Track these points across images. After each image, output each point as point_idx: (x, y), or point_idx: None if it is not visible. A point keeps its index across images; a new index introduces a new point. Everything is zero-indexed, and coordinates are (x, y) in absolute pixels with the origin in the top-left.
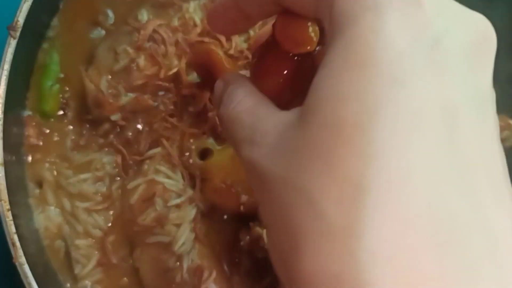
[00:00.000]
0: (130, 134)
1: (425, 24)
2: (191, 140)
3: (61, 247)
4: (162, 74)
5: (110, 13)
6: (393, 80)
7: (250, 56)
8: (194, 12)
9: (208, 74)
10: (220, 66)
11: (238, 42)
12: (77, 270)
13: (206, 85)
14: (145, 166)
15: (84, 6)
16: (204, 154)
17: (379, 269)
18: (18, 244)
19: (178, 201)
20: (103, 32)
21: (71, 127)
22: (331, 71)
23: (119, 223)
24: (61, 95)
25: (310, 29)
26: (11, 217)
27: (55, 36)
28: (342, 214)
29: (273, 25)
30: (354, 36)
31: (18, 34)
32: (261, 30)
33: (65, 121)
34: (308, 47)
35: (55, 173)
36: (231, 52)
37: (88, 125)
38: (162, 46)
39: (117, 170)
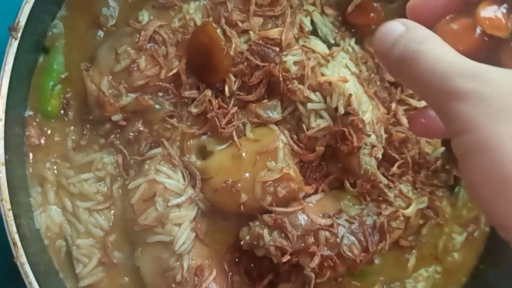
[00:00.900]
0: (131, 134)
1: None
2: (191, 140)
3: (62, 247)
4: (162, 75)
5: (111, 14)
6: None
7: (250, 57)
8: (195, 13)
9: (204, 60)
10: (215, 39)
11: (238, 43)
12: (78, 269)
13: (202, 77)
14: (146, 166)
15: (85, 7)
16: (204, 154)
17: None
18: (19, 243)
19: (178, 200)
20: (104, 33)
21: (72, 127)
22: None
23: (120, 223)
24: (62, 95)
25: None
26: (12, 217)
27: (56, 37)
28: None
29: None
30: None
31: (19, 34)
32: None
33: (66, 121)
34: (501, 33)
35: (56, 173)
36: (231, 53)
37: (89, 125)
38: (163, 47)
39: (117, 170)
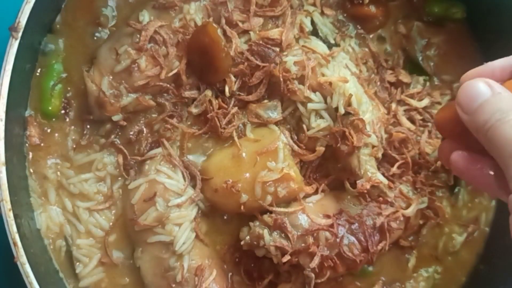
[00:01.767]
0: (131, 134)
1: None
2: (192, 141)
3: (62, 247)
4: (163, 75)
5: (112, 14)
6: None
7: (250, 57)
8: (195, 13)
9: (204, 60)
10: (216, 39)
11: (238, 43)
12: (78, 269)
13: (202, 77)
14: (146, 166)
15: (85, 7)
16: (205, 154)
17: None
18: (19, 243)
19: (178, 201)
20: (105, 33)
21: (72, 127)
22: None
23: (120, 223)
24: (62, 95)
25: None
26: (12, 217)
27: (57, 37)
28: None
29: None
30: None
31: (19, 35)
32: None
33: (67, 121)
34: None
35: (56, 173)
36: (231, 53)
37: (89, 125)
38: (163, 47)
39: (118, 170)
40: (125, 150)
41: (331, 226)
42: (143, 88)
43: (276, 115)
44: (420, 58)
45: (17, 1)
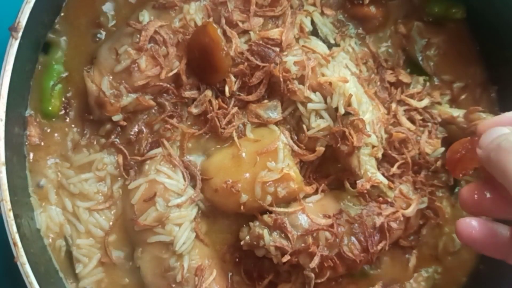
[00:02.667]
0: (131, 134)
1: None
2: (192, 141)
3: (62, 246)
4: (163, 75)
5: (112, 14)
6: None
7: (250, 57)
8: (195, 13)
9: (204, 60)
10: (216, 39)
11: (238, 43)
12: (78, 269)
13: (202, 77)
14: (146, 166)
15: (85, 7)
16: (205, 154)
17: None
18: (19, 243)
19: (178, 201)
20: (105, 33)
21: (72, 127)
22: None
23: (120, 223)
24: (62, 95)
25: None
26: (12, 217)
27: (56, 37)
28: None
29: None
30: None
31: (19, 35)
32: None
33: (67, 121)
34: None
35: (56, 173)
36: (231, 53)
37: (89, 125)
38: (163, 47)
39: (118, 170)
40: (125, 150)
41: (331, 226)
42: (143, 88)
43: (276, 115)
44: (420, 58)
45: (17, 1)
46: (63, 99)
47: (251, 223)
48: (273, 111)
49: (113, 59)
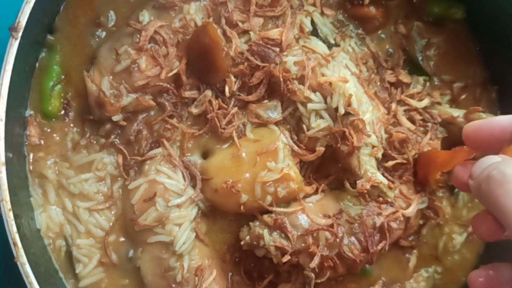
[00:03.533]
0: (131, 134)
1: None
2: (192, 141)
3: (62, 246)
4: (163, 75)
5: (112, 14)
6: None
7: (250, 57)
8: (195, 13)
9: (204, 61)
10: (216, 39)
11: (238, 43)
12: (78, 269)
13: (202, 77)
14: (146, 166)
15: (85, 7)
16: (205, 154)
17: None
18: (19, 243)
19: (178, 201)
20: (105, 33)
21: (72, 127)
22: None
23: (120, 223)
24: (62, 96)
25: None
26: (12, 217)
27: (56, 37)
28: None
29: None
30: None
31: (19, 35)
32: None
33: (67, 121)
34: None
35: (56, 172)
36: (231, 53)
37: (89, 126)
38: (163, 47)
39: (118, 170)
40: (125, 150)
41: (331, 226)
42: (143, 88)
43: (276, 115)
44: (420, 58)
45: (17, 1)
46: (63, 99)
47: (251, 223)
48: (273, 111)
49: (113, 59)
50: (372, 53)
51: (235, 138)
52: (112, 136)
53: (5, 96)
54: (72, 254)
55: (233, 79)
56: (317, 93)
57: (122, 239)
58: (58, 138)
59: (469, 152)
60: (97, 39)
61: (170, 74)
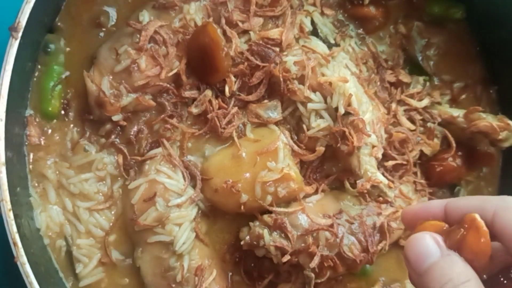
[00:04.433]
0: (131, 134)
1: None
2: (192, 141)
3: (62, 246)
4: (163, 75)
5: (112, 14)
6: None
7: (250, 57)
8: (195, 13)
9: (204, 60)
10: (216, 39)
11: (238, 43)
12: (78, 269)
13: (202, 77)
14: (146, 166)
15: (85, 7)
16: (205, 154)
17: None
18: (19, 243)
19: (178, 201)
20: (104, 33)
21: (72, 127)
22: None
23: (120, 223)
24: (62, 96)
25: None
26: (12, 217)
27: (56, 37)
28: None
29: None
30: None
31: (19, 35)
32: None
33: (67, 121)
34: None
35: (56, 172)
36: (231, 53)
37: (89, 125)
38: (163, 47)
39: (118, 170)
40: (125, 150)
41: (331, 226)
42: (143, 88)
43: (276, 115)
44: (420, 58)
45: (17, 1)
46: (63, 99)
47: (251, 223)
48: (273, 111)
49: (113, 59)
50: (372, 53)
51: (235, 138)
52: (112, 136)
53: (5, 96)
54: (72, 254)
55: (233, 79)
56: (317, 93)
57: (122, 239)
58: (58, 138)
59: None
60: (97, 39)
61: (170, 74)
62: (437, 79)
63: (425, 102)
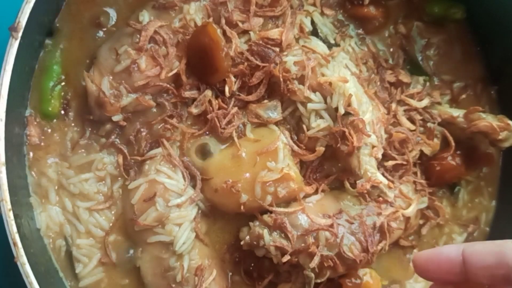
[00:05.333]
0: (131, 134)
1: None
2: (192, 141)
3: (62, 246)
4: (163, 75)
5: (112, 14)
6: None
7: (250, 57)
8: (195, 13)
9: (204, 61)
10: (215, 39)
11: (238, 43)
12: (78, 269)
13: (202, 77)
14: (146, 166)
15: (85, 7)
16: (205, 153)
17: None
18: (19, 243)
19: (178, 201)
20: (104, 33)
21: (73, 126)
22: None
23: (120, 223)
24: (62, 96)
25: None
26: (12, 217)
27: (56, 37)
28: None
29: None
30: None
31: (19, 35)
32: None
33: (67, 121)
34: None
35: (56, 172)
36: (231, 53)
37: (89, 126)
38: (163, 47)
39: (118, 170)
40: (125, 150)
41: (331, 226)
42: (143, 88)
43: (276, 115)
44: (420, 58)
45: (17, 1)
46: (63, 99)
47: (251, 223)
48: (273, 111)
49: (113, 59)
50: (372, 53)
51: (235, 138)
52: (112, 136)
53: (5, 96)
54: (72, 254)
55: (233, 79)
56: (317, 93)
57: (122, 239)
58: (58, 138)
59: None
60: (97, 39)
61: (170, 74)
62: (437, 79)
63: (425, 102)
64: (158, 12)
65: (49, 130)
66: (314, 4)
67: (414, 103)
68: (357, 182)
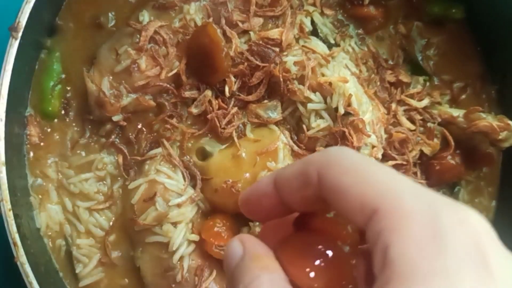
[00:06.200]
0: (131, 134)
1: None
2: (192, 141)
3: (62, 246)
4: (163, 75)
5: (112, 14)
6: None
7: (250, 57)
8: (195, 13)
9: (204, 61)
10: (215, 39)
11: (238, 43)
12: (78, 269)
13: (202, 77)
14: (146, 166)
15: (85, 7)
16: (205, 154)
17: None
18: (19, 243)
19: (179, 200)
20: (104, 33)
21: (73, 125)
22: None
23: (120, 223)
24: (62, 96)
25: (348, 229)
26: (12, 217)
27: (56, 37)
28: None
29: (306, 218)
30: None
31: (19, 35)
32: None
33: (67, 121)
34: (340, 243)
35: (56, 172)
36: (231, 54)
37: (89, 126)
38: (163, 47)
39: (118, 170)
40: (125, 150)
41: None
42: (143, 88)
43: (276, 115)
44: (420, 58)
45: (17, 1)
46: (63, 99)
47: (251, 223)
48: (273, 111)
49: (113, 59)
50: (372, 53)
51: (235, 138)
52: (112, 136)
53: (5, 96)
54: (72, 254)
55: (233, 79)
56: (317, 93)
57: (122, 239)
58: (58, 138)
59: None
60: (97, 39)
61: (170, 74)
62: (437, 79)
63: (425, 102)
64: (158, 12)
65: (49, 130)
66: (314, 4)
67: (414, 103)
68: None
